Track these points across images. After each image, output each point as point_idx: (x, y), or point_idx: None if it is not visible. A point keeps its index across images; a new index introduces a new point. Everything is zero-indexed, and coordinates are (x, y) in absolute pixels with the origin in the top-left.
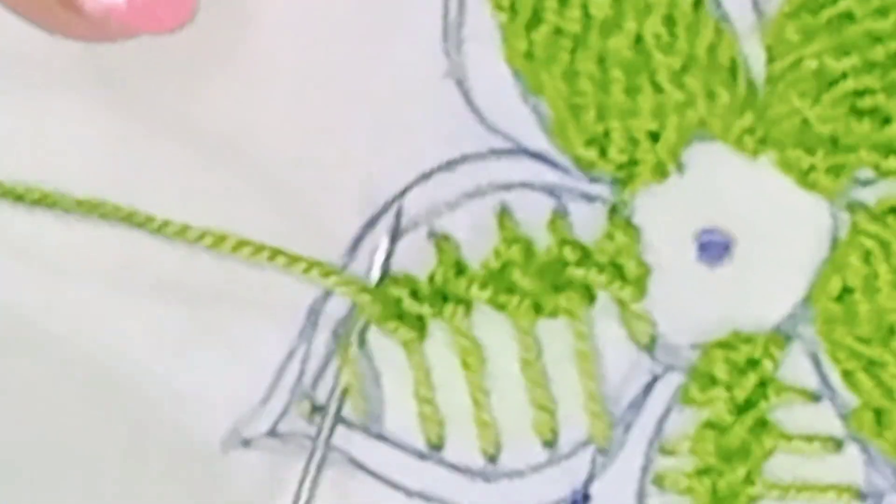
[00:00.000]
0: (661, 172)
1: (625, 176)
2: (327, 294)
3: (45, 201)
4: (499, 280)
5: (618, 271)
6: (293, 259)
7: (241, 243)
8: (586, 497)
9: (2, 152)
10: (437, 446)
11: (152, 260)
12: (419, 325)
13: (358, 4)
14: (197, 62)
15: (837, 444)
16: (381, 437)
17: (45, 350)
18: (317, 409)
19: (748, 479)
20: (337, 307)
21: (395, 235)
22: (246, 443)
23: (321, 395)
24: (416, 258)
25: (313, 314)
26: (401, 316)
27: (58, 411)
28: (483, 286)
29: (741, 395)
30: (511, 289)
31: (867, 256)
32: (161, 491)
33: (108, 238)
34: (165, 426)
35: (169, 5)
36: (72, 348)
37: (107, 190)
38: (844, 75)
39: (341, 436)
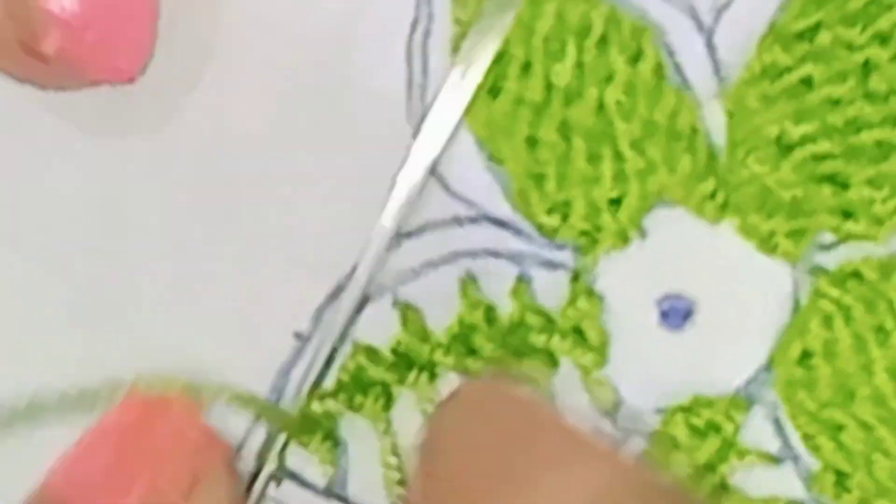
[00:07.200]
0: (623, 239)
1: (587, 243)
2: (293, 361)
3: None
4: (462, 346)
5: (580, 338)
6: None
7: None
8: None
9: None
10: None
11: None
12: (384, 393)
13: (319, 64)
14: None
15: None
16: (342, 500)
17: None
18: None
19: None
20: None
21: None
22: None
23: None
24: (381, 326)
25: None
26: (365, 386)
27: None
28: (447, 352)
29: (702, 458)
30: (474, 354)
31: (828, 321)
32: None
33: None
34: None
35: (125, 56)
36: None
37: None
38: (804, 141)
39: (302, 498)
